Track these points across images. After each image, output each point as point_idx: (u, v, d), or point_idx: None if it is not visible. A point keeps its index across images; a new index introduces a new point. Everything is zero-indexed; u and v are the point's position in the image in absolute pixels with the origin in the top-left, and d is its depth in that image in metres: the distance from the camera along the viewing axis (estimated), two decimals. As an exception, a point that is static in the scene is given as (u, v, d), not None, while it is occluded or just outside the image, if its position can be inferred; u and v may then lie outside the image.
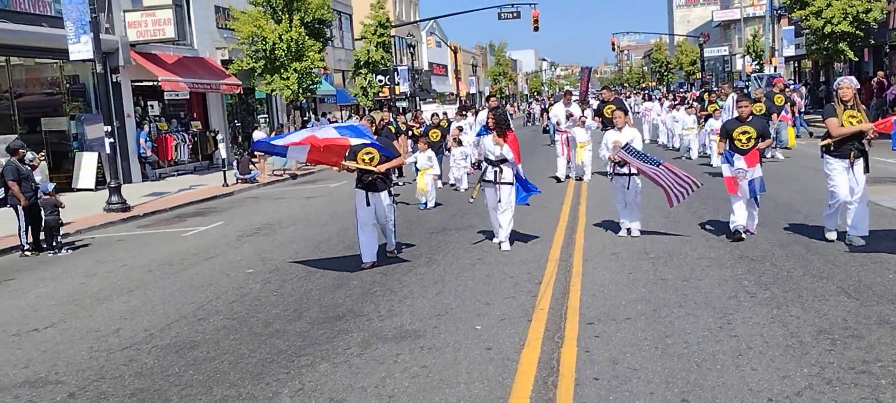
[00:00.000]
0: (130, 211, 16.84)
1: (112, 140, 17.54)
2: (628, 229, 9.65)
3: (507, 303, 6.96)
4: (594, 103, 24.02)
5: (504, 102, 38.39)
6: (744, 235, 8.90)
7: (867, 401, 4.34)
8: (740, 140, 8.86)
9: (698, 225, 10.29)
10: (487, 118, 9.66)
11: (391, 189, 9.15)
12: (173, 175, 25.92)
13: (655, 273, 7.71)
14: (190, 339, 6.56)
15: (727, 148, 9.01)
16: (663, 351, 5.39)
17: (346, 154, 8.86)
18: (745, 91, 27.11)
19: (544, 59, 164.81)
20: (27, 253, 12.41)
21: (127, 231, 14.83)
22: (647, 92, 50.30)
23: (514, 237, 9.74)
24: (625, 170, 9.47)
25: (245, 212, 16.14)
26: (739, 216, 8.92)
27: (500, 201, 9.42)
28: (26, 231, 12.50)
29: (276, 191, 21.07)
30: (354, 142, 8.82)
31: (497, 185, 9.40)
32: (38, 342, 6.93)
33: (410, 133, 18.52)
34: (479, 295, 7.28)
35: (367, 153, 8.74)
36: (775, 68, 43.25)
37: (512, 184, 9.40)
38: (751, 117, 9.14)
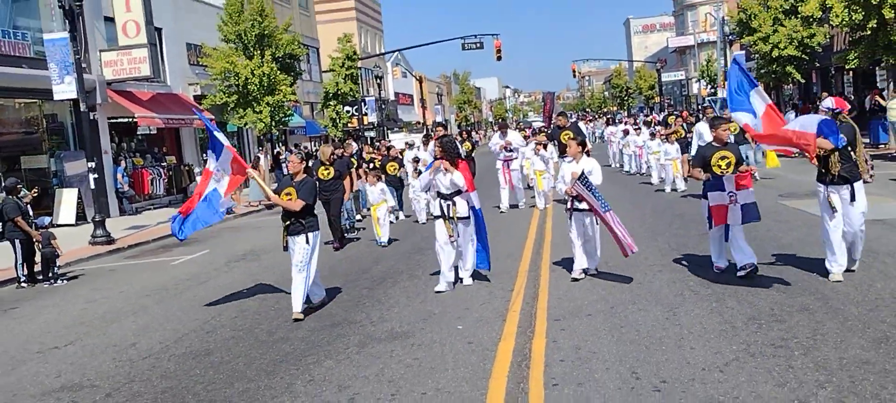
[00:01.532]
0: (115, 244, 17.46)
1: (96, 176, 18.19)
2: (584, 270, 8.80)
3: (484, 307, 7.89)
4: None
5: (470, 130, 39.19)
6: (744, 270, 7.94)
7: (782, 367, 5.33)
8: (719, 166, 8.07)
9: (653, 236, 11.33)
10: (435, 148, 9.17)
11: (310, 234, 8.28)
12: (149, 208, 26.46)
13: (614, 276, 8.69)
14: (203, 348, 7.37)
15: (704, 176, 8.22)
16: (618, 339, 6.35)
17: (279, 185, 8.80)
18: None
19: (507, 87, 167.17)
20: (23, 285, 13.01)
21: (115, 262, 15.49)
22: (610, 116, 51.61)
23: (493, 242, 10.37)
24: (584, 205, 8.58)
25: (228, 241, 16.85)
26: (716, 255, 8.45)
27: (454, 240, 8.78)
28: (23, 264, 13.12)
29: (254, 220, 21.79)
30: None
31: (455, 221, 8.78)
32: (62, 357, 7.68)
33: (372, 165, 17.87)
34: (458, 302, 8.19)
35: (287, 193, 8.37)
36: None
37: (467, 218, 8.88)
38: (728, 142, 8.40)
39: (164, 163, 28.26)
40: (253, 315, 8.61)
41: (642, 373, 5.45)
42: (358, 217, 16.60)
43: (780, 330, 6.20)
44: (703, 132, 15.48)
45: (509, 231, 13.12)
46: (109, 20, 25.47)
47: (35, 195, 15.03)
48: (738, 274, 7.93)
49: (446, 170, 8.76)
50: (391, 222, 15.23)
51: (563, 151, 15.40)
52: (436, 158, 9.02)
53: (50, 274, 13.12)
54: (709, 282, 8.05)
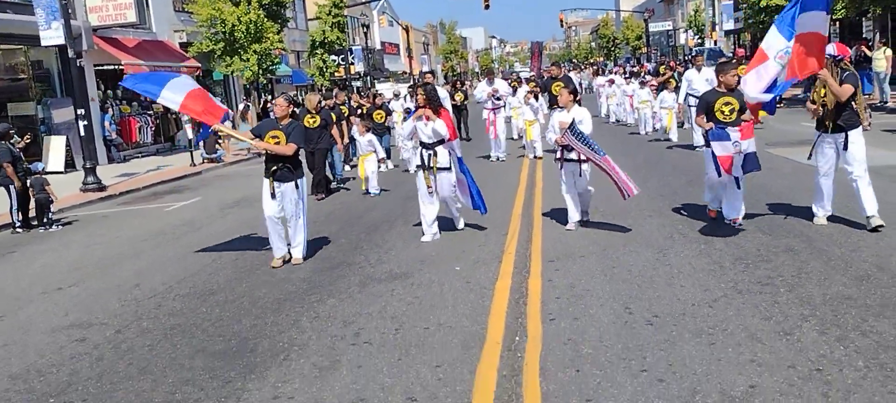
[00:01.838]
0: (106, 191, 17.52)
1: (86, 123, 18.15)
2: (578, 222, 8.74)
3: (480, 250, 8.11)
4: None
5: (455, 81, 38.57)
6: (731, 223, 8.05)
7: (768, 303, 5.59)
8: (723, 112, 7.88)
9: (643, 183, 11.57)
10: (417, 95, 9.01)
11: (300, 181, 8.11)
12: (137, 157, 26.42)
13: (605, 223, 8.92)
14: (207, 288, 7.56)
15: (709, 124, 7.91)
16: (611, 278, 6.60)
17: (258, 127, 8.50)
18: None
19: (494, 37, 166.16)
20: (18, 230, 13.10)
21: (108, 208, 15.57)
22: (599, 66, 51.35)
23: (484, 189, 10.53)
24: (574, 155, 8.43)
25: (218, 189, 16.95)
26: (711, 199, 8.50)
27: (432, 191, 8.66)
28: (17, 210, 13.18)
29: (243, 169, 21.84)
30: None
31: (435, 172, 8.63)
32: (67, 297, 7.84)
33: (359, 112, 17.70)
34: (455, 246, 8.40)
35: (274, 136, 8.00)
36: (715, 42, 45.22)
37: (449, 169, 8.68)
38: (734, 88, 8.04)
39: (151, 112, 28.11)
40: (252, 258, 8.77)
41: (635, 309, 5.69)
42: (347, 167, 16.49)
43: (766, 269, 6.45)
44: (691, 79, 15.64)
45: (500, 180, 13.32)
46: (93, -36, 25.07)
47: (28, 141, 15.00)
48: (725, 220, 8.09)
49: (428, 118, 8.56)
50: (382, 170, 15.27)
51: (553, 103, 15.20)
52: (418, 106, 8.80)
53: (44, 220, 13.21)
54: (697, 226, 8.29)
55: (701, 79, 15.09)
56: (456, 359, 5.00)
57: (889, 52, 21.95)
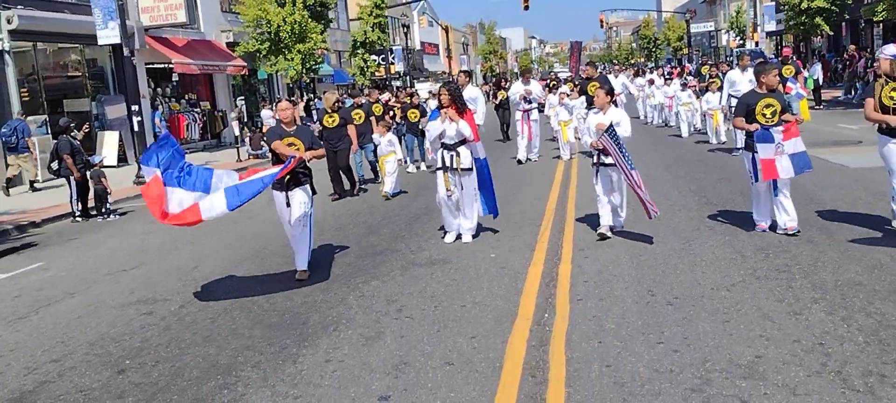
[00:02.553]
0: (158, 184, 18.29)
1: (140, 118, 19.03)
2: (610, 227, 8.27)
3: (515, 239, 8.58)
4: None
5: (499, 79, 38.27)
6: (786, 232, 7.60)
7: (783, 287, 5.97)
8: (764, 115, 7.60)
9: (675, 179, 11.92)
10: (439, 95, 8.62)
11: (309, 186, 7.71)
12: (185, 152, 27.23)
13: (635, 215, 9.30)
14: (260, 270, 8.17)
15: (753, 127, 7.62)
16: (637, 264, 7.02)
17: (266, 136, 7.90)
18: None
19: (533, 37, 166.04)
20: (78, 219, 13.91)
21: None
22: (638, 67, 50.89)
23: (520, 185, 11.05)
24: (610, 159, 7.97)
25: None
26: (761, 214, 7.88)
27: (451, 193, 8.46)
28: (77, 200, 13.99)
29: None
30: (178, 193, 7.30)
31: (459, 173, 8.42)
32: (131, 278, 8.50)
33: (392, 113, 17.19)
34: (490, 236, 8.87)
35: (291, 143, 7.59)
36: (757, 43, 44.94)
37: (471, 169, 8.46)
38: (775, 89, 7.81)
39: (199, 109, 29.06)
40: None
41: (657, 291, 6.11)
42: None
43: (784, 258, 6.82)
44: (734, 80, 14.96)
45: (535, 177, 13.75)
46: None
47: (86, 131, 15.84)
48: (778, 231, 7.64)
49: (452, 119, 8.34)
50: (409, 172, 15.57)
51: (590, 103, 14.92)
52: (441, 106, 8.48)
53: (103, 210, 14.00)
54: (724, 219, 8.65)
55: (745, 80, 14.31)
56: (489, 332, 5.48)
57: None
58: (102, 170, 14.32)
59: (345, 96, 25.30)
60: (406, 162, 16.62)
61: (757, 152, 7.55)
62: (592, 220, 9.10)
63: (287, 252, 9.03)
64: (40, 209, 15.07)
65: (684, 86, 20.46)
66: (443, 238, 8.77)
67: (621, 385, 4.41)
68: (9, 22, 19.53)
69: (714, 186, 11.13)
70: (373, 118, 14.79)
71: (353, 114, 14.18)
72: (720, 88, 16.76)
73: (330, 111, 13.39)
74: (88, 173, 14.06)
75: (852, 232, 7.58)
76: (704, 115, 18.19)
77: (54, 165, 14.09)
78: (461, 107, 8.46)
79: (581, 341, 5.14)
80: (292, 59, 28.99)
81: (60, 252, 10.88)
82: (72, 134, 14.52)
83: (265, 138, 7.94)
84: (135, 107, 19.05)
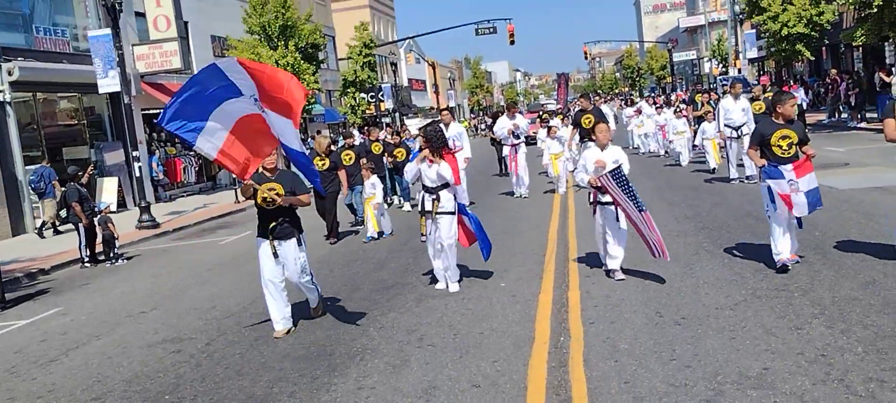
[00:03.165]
0: (159, 228, 18.58)
1: (140, 164, 19.33)
2: (615, 271, 7.93)
3: (522, 269, 8.92)
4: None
5: (497, 113, 37.86)
6: (789, 266, 7.36)
7: (783, 305, 6.33)
8: (780, 147, 7.31)
9: (670, 206, 12.32)
10: (419, 139, 8.41)
11: (302, 236, 7.36)
12: (182, 196, 27.63)
13: (636, 244, 9.64)
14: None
15: (762, 159, 7.45)
16: (643, 289, 7.37)
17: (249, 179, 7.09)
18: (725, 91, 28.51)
19: (518, 70, 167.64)
20: (86, 264, 14.14)
21: (165, 243, 16.60)
22: (627, 97, 51.35)
23: (519, 218, 11.41)
24: (608, 197, 7.76)
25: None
26: (783, 246, 7.35)
27: (424, 239, 8.38)
28: (86, 246, 14.23)
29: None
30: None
31: (434, 217, 8.08)
32: (152, 319, 8.76)
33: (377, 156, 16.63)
34: (498, 267, 9.19)
35: (271, 188, 7.08)
36: (739, 69, 45.82)
37: (452, 213, 8.10)
38: (793, 119, 7.52)
39: (194, 153, 29.36)
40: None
41: (665, 313, 6.46)
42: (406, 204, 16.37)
43: (783, 278, 7.18)
44: (727, 108, 14.65)
45: (532, 210, 14.12)
46: (140, 15, 26.56)
47: (91, 172, 16.10)
48: (777, 267, 7.36)
49: (430, 162, 8.05)
50: (406, 210, 15.54)
51: (584, 136, 15.39)
52: (419, 149, 8.21)
53: (111, 255, 14.24)
54: (721, 243, 9.03)
55: (737, 108, 14.40)
56: (510, 356, 5.81)
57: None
58: (109, 215, 14.58)
59: (338, 136, 25.66)
60: (401, 201, 16.84)
61: (769, 185, 7.33)
62: (595, 258, 9.22)
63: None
64: (48, 256, 15.29)
65: (678, 113, 20.33)
66: (438, 285, 8.33)
67: (640, 399, 4.73)
68: (10, 73, 19.87)
69: (709, 212, 11.54)
70: (363, 160, 14.57)
71: (343, 156, 14.18)
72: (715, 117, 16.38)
73: (322, 155, 13.10)
74: (96, 219, 14.33)
75: (845, 250, 7.96)
76: (700, 145, 17.77)
77: (63, 213, 14.35)
78: (438, 151, 8.07)
79: (598, 361, 5.47)
80: (286, 100, 29.39)
81: (76, 297, 11.11)
82: (80, 182, 14.82)
83: (243, 185, 7.26)
84: (136, 153, 19.35)
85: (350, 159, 14.45)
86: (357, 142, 16.23)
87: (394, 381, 5.53)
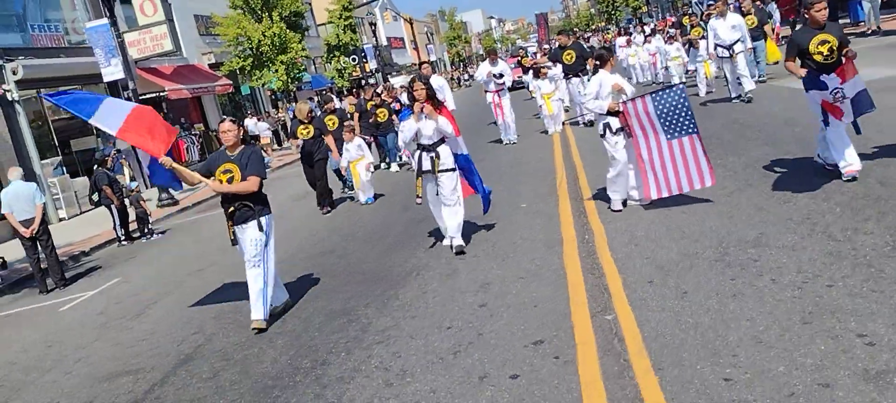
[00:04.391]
0: (179, 204, 19.48)
1: (152, 145, 20.13)
2: (633, 198, 7.86)
3: (537, 191, 9.92)
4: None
5: (463, 66, 38.61)
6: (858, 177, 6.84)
7: (771, 186, 7.35)
8: (820, 53, 6.82)
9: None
10: (412, 89, 7.65)
11: (263, 219, 6.79)
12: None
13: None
14: (327, 249, 9.46)
15: (803, 69, 7.02)
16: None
17: (202, 169, 6.92)
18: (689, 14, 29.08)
19: (492, 17, 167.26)
20: (123, 243, 15.05)
21: (191, 217, 17.53)
22: (621, 28, 49.48)
23: (521, 154, 12.27)
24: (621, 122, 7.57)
25: (278, 189, 18.74)
26: (850, 155, 6.85)
27: (439, 194, 7.70)
28: (120, 226, 15.14)
29: (288, 171, 23.74)
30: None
31: (436, 175, 7.62)
32: (215, 272, 9.72)
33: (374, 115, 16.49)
34: (514, 192, 10.17)
35: (226, 170, 6.70)
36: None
37: (454, 170, 7.67)
38: (826, 22, 6.92)
39: (195, 132, 30.14)
40: (349, 222, 10.63)
41: (672, 206, 7.48)
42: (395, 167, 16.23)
43: (771, 166, 8.22)
44: (715, 28, 14.24)
45: (531, 146, 15.04)
46: (126, 2, 27.05)
47: (115, 155, 16.90)
48: (844, 178, 6.89)
49: (428, 115, 7.50)
50: (386, 171, 15.41)
51: (567, 72, 16.03)
52: (414, 101, 7.62)
53: (145, 231, 15.18)
54: (712, 150, 10.02)
55: (726, 27, 13.99)
56: (544, 254, 6.86)
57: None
58: (140, 193, 15.47)
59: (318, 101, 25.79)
60: (388, 163, 16.55)
61: (811, 96, 7.02)
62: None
63: (343, 230, 10.33)
64: (85, 240, 16.19)
65: (671, 39, 19.76)
66: (433, 244, 8.11)
67: (661, 267, 5.79)
68: (14, 73, 20.53)
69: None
70: (346, 123, 14.18)
71: (327, 121, 13.85)
72: (703, 37, 16.29)
73: (305, 121, 12.64)
74: (126, 200, 15.22)
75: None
76: (694, 68, 17.40)
77: (95, 197, 15.23)
78: (438, 103, 7.65)
79: (620, 247, 6.53)
80: (277, 70, 30.12)
81: (128, 268, 12.08)
82: (108, 165, 15.68)
83: (204, 165, 7.02)
84: (147, 136, 20.13)
85: (334, 124, 14.10)
86: (337, 107, 15.69)
87: (451, 283, 6.56)
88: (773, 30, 17.48)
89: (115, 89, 23.90)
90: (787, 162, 8.28)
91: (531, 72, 18.93)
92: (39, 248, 11.85)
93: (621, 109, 7.55)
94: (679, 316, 4.81)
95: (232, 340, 6.54)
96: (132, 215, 15.28)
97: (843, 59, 6.79)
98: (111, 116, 6.88)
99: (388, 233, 9.71)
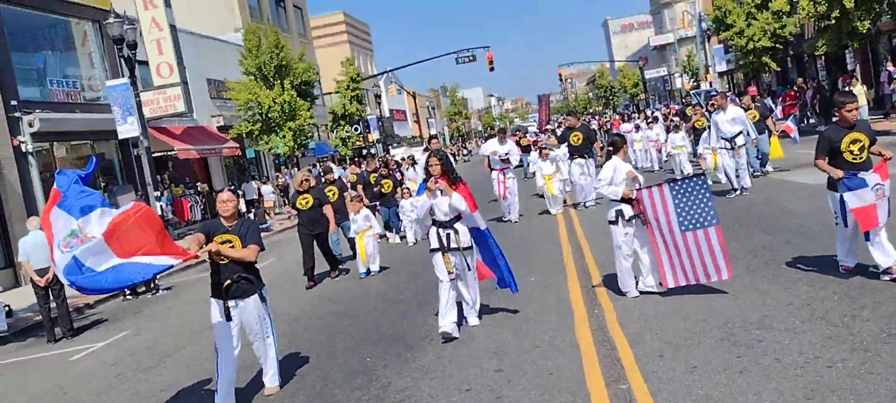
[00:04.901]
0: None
1: (161, 203, 20.54)
2: (649, 285, 7.74)
3: (545, 267, 10.27)
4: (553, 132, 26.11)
5: (462, 141, 39.26)
6: (888, 278, 6.75)
7: (774, 274, 7.72)
8: (851, 152, 6.89)
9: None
10: (427, 164, 7.59)
11: (263, 291, 6.70)
12: (189, 232, 28.65)
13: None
14: (334, 327, 9.72)
15: (838, 173, 6.92)
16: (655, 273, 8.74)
17: (200, 229, 6.88)
18: (691, 104, 30.07)
19: (492, 95, 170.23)
20: (128, 297, 15.27)
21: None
22: (624, 112, 51.16)
23: (525, 232, 12.66)
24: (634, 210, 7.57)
25: (284, 251, 19.12)
26: (890, 254, 6.75)
27: (455, 274, 7.45)
28: (127, 279, 15.36)
29: (291, 235, 24.00)
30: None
31: (452, 252, 7.41)
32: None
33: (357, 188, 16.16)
34: (523, 267, 10.48)
35: (225, 241, 6.53)
36: (711, 83, 47.84)
37: (470, 247, 7.53)
38: (857, 122, 7.05)
39: (199, 192, 30.55)
40: (372, 293, 10.92)
41: (677, 287, 7.82)
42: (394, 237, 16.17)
43: (770, 255, 8.60)
44: (718, 122, 14.27)
45: (534, 225, 15.46)
46: (142, 63, 27.80)
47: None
48: (883, 277, 6.80)
49: (443, 191, 7.36)
50: (390, 243, 15.31)
51: (573, 153, 16.04)
52: (428, 176, 7.55)
53: (151, 286, 15.41)
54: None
55: (727, 120, 14.08)
56: (558, 326, 7.16)
57: (863, 88, 24.13)
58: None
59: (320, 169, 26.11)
60: (386, 235, 16.07)
61: (845, 199, 6.86)
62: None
63: (363, 287, 10.61)
64: (89, 292, 16.35)
65: (676, 128, 19.44)
66: (440, 329, 7.37)
67: (670, 342, 6.11)
68: (31, 125, 20.98)
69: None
70: (347, 193, 14.07)
71: (327, 191, 13.61)
72: (705, 128, 16.29)
73: (302, 191, 12.51)
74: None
75: (822, 233, 9.39)
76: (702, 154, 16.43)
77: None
78: (454, 178, 7.50)
79: (629, 323, 6.85)
80: (285, 136, 30.75)
81: (137, 322, 12.30)
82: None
83: (198, 231, 6.81)
84: (156, 193, 20.60)
85: (334, 195, 13.76)
86: (336, 177, 15.53)
87: (467, 349, 6.85)
88: (773, 124, 17.41)
89: (126, 146, 24.52)
90: (786, 250, 8.67)
91: (533, 151, 19.40)
92: (51, 298, 12.09)
93: (635, 197, 7.55)
94: (690, 388, 5.12)
95: (254, 391, 6.78)
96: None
97: (880, 158, 6.89)
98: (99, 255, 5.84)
99: (399, 298, 9.99)
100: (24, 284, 19.64)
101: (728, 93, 18.67)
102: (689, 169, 18.26)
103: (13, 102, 20.73)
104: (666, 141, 20.50)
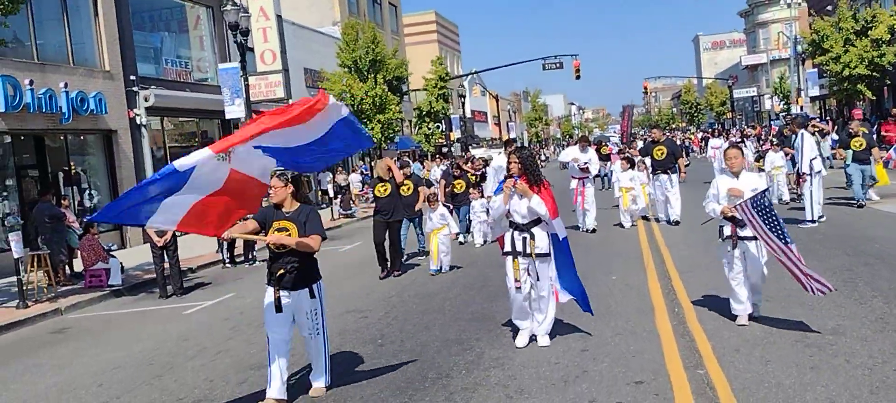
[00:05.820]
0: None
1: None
2: (748, 315, 7.22)
3: (625, 266, 10.79)
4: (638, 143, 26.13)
5: (540, 147, 38.44)
6: None
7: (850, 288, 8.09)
8: None
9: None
10: (509, 163, 7.18)
11: (316, 286, 6.35)
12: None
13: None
14: (427, 292, 10.49)
15: None
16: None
17: (254, 216, 6.51)
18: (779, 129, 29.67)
19: (573, 103, 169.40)
20: (227, 265, 16.42)
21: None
22: (712, 128, 48.87)
23: (604, 235, 13.07)
24: (749, 231, 6.99)
25: (368, 236, 20.00)
26: None
27: (531, 284, 7.04)
28: (227, 249, 16.50)
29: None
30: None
31: (527, 258, 6.98)
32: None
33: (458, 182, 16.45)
34: (603, 265, 11.07)
35: (282, 228, 6.22)
36: (801, 107, 46.91)
37: (548, 255, 7.06)
38: None
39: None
40: (445, 288, 11.67)
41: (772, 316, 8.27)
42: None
43: (861, 295, 8.94)
44: (800, 148, 13.81)
45: (613, 229, 15.86)
46: (249, 50, 29.32)
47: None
48: None
49: (522, 192, 6.96)
50: (461, 243, 15.19)
51: (656, 168, 15.99)
52: (508, 176, 7.14)
53: (249, 256, 16.52)
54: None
55: (808, 146, 13.83)
56: (638, 318, 7.73)
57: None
58: (247, 218, 16.83)
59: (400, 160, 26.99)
60: (459, 235, 15.44)
61: None
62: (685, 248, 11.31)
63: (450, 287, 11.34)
64: (191, 258, 17.57)
65: (776, 147, 18.67)
66: (514, 340, 7.28)
67: (747, 340, 6.60)
68: (146, 100, 22.57)
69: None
70: (421, 188, 13.89)
71: (456, 185, 13.84)
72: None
73: (385, 179, 12.67)
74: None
75: (901, 257, 9.67)
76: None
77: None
78: (535, 179, 7.01)
79: (708, 320, 7.36)
80: (373, 128, 31.88)
81: (239, 286, 13.34)
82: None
83: (251, 217, 6.52)
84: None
85: (408, 190, 13.75)
86: (411, 172, 15.28)
87: (554, 330, 7.47)
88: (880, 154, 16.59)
89: (228, 126, 25.97)
90: (865, 271, 8.99)
91: (615, 162, 19.36)
92: (166, 257, 13.25)
93: (736, 215, 7.01)
94: (763, 377, 5.65)
95: (360, 350, 7.59)
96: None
97: None
98: (170, 212, 5.91)
99: (487, 283, 10.70)
100: (128, 246, 21.21)
101: (814, 118, 17.69)
102: (785, 193, 17.76)
103: (132, 77, 22.36)
104: (756, 160, 19.96)
